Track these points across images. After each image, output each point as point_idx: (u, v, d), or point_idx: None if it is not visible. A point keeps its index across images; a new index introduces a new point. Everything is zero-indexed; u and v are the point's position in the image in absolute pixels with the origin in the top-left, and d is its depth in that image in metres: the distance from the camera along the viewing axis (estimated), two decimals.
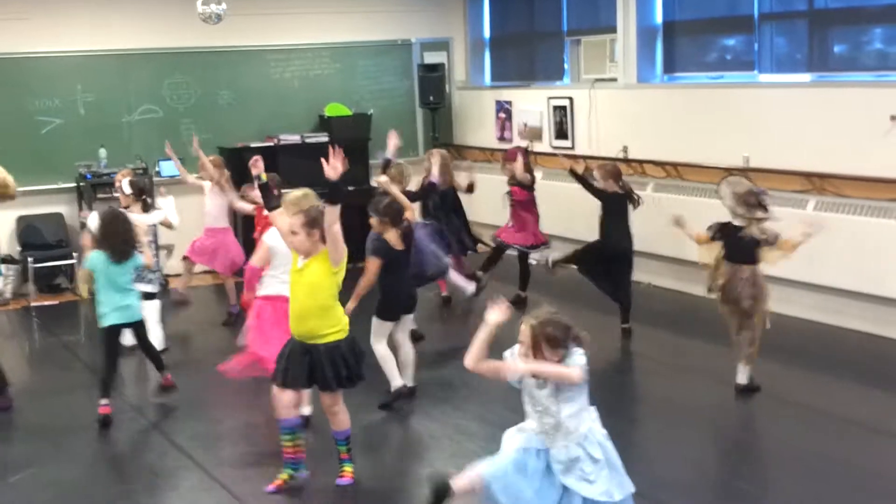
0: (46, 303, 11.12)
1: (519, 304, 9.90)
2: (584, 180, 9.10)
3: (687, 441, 6.76)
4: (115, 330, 7.45)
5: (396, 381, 7.38)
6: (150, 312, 8.69)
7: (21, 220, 11.58)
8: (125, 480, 6.50)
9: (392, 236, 7.38)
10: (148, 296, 8.59)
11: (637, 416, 7.34)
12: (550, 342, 4.52)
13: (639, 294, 10.48)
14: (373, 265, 7.31)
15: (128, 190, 8.85)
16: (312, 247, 5.74)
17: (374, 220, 7.45)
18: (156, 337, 8.69)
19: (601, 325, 8.92)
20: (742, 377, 7.46)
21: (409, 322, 7.65)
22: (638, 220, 10.49)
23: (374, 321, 7.36)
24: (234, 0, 10.11)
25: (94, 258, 7.36)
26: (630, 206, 9.06)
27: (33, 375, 9.11)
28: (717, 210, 8.60)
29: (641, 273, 10.78)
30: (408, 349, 7.60)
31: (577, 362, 4.54)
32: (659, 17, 11.02)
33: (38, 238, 11.38)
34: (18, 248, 11.53)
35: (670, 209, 10.10)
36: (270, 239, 6.81)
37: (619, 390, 7.96)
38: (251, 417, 7.33)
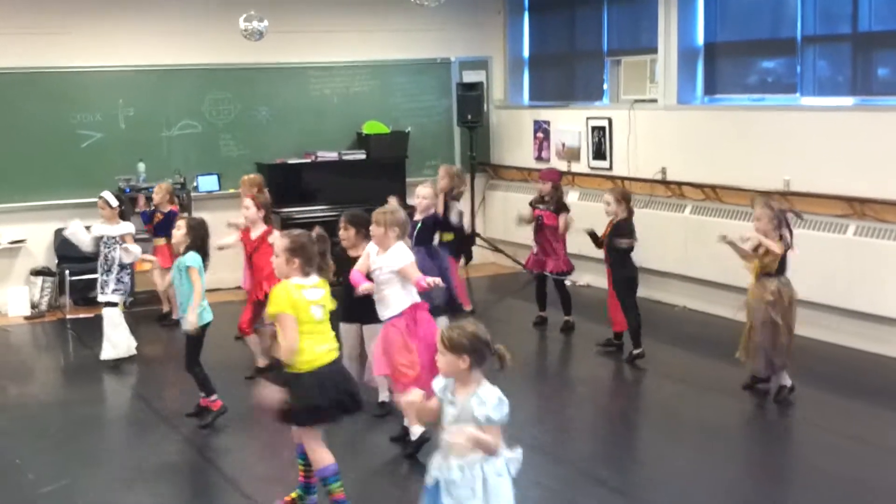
0: (82, 315, 11.15)
1: (567, 330, 9.87)
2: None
3: (717, 464, 6.66)
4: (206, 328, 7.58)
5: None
6: (115, 319, 9.23)
7: (59, 232, 11.63)
8: (158, 493, 6.47)
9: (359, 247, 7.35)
10: (110, 303, 9.24)
11: (667, 437, 7.22)
12: (453, 348, 4.44)
13: (673, 316, 10.44)
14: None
15: (114, 203, 9.34)
16: (288, 273, 5.75)
17: (347, 232, 7.40)
18: (120, 344, 9.24)
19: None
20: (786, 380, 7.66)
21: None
22: (675, 242, 10.47)
23: (370, 328, 7.30)
24: (274, 18, 10.16)
25: (197, 258, 7.47)
26: None
27: (67, 387, 9.13)
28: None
29: (676, 295, 10.72)
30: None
31: (490, 414, 4.41)
32: (700, 39, 10.94)
33: (75, 251, 11.32)
34: (55, 261, 11.60)
35: (708, 232, 10.10)
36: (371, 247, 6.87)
37: (649, 412, 7.89)
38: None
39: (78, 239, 9.42)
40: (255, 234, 8.75)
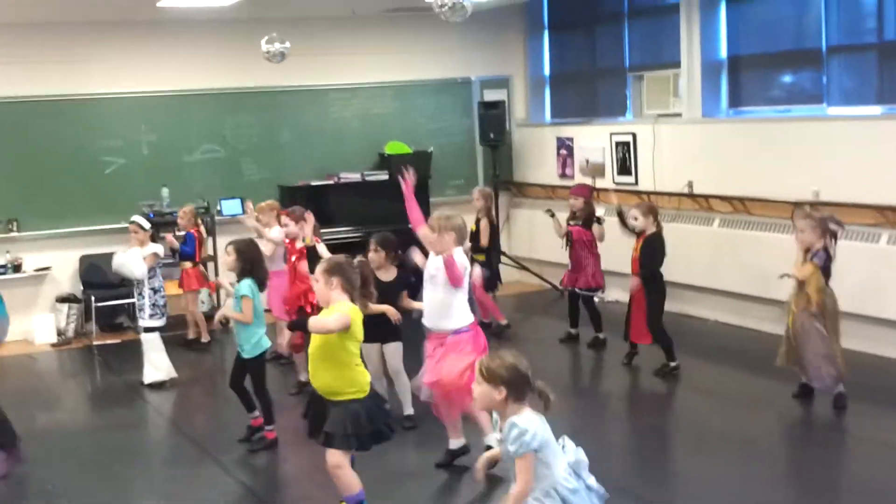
0: (108, 341, 11.12)
1: (598, 346, 9.79)
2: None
3: (756, 478, 6.55)
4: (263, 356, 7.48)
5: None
6: (155, 344, 9.19)
7: (84, 259, 11.65)
8: None
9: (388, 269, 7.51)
10: (149, 329, 9.22)
11: (704, 451, 7.10)
12: (490, 378, 4.35)
13: (704, 330, 10.34)
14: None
15: (147, 226, 9.41)
16: (330, 297, 5.68)
17: (378, 255, 7.50)
18: (162, 367, 9.21)
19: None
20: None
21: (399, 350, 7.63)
22: (704, 256, 10.38)
23: (390, 347, 7.50)
24: (295, 41, 10.11)
25: (251, 285, 7.31)
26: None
27: (97, 414, 9.08)
28: (786, 244, 8.48)
29: (706, 309, 10.62)
30: (404, 378, 7.66)
31: (524, 448, 4.31)
32: (724, 52, 10.89)
33: (101, 277, 11.39)
34: (81, 288, 11.58)
35: (737, 245, 10.02)
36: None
37: (685, 427, 7.78)
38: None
39: (128, 268, 9.27)
40: (300, 244, 8.71)
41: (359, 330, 5.68)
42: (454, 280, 6.52)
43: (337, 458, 5.67)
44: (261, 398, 7.48)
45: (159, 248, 9.43)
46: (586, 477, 4.52)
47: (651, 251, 8.77)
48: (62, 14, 10.98)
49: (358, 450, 5.78)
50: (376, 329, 7.06)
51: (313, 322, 5.64)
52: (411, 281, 7.47)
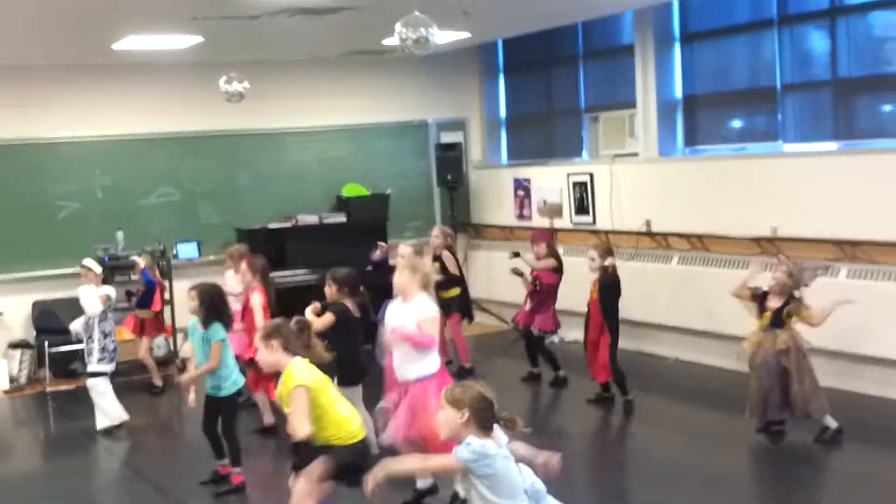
0: (62, 388, 10.91)
1: (559, 384, 9.77)
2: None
3: None
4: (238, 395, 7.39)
5: None
6: (102, 389, 9.04)
7: (37, 304, 11.45)
8: None
9: (349, 305, 7.48)
10: (95, 373, 9.06)
11: (670, 488, 7.06)
12: (454, 402, 4.38)
13: (665, 368, 10.36)
14: (328, 318, 7.33)
15: (98, 269, 9.28)
16: (276, 360, 5.66)
17: (330, 289, 7.49)
18: (111, 412, 9.06)
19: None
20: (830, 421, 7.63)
21: (359, 392, 7.53)
22: (664, 294, 10.42)
23: (349, 391, 7.15)
24: (253, 84, 10.07)
25: (220, 329, 7.21)
26: None
27: (52, 461, 8.88)
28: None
29: (667, 347, 10.64)
30: (366, 417, 7.44)
31: (460, 453, 4.33)
32: (679, 92, 11.01)
33: (55, 322, 11.17)
34: (34, 333, 11.38)
35: (696, 282, 10.07)
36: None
37: (650, 463, 7.73)
38: None
39: (83, 302, 9.08)
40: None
41: (320, 380, 5.61)
42: (421, 346, 6.44)
43: (308, 485, 5.57)
44: (229, 440, 7.33)
45: (111, 291, 9.26)
46: None
47: (609, 293, 8.81)
48: (18, 58, 10.85)
49: (341, 482, 5.67)
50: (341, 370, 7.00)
51: (297, 435, 5.48)
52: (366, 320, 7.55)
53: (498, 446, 4.36)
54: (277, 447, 8.12)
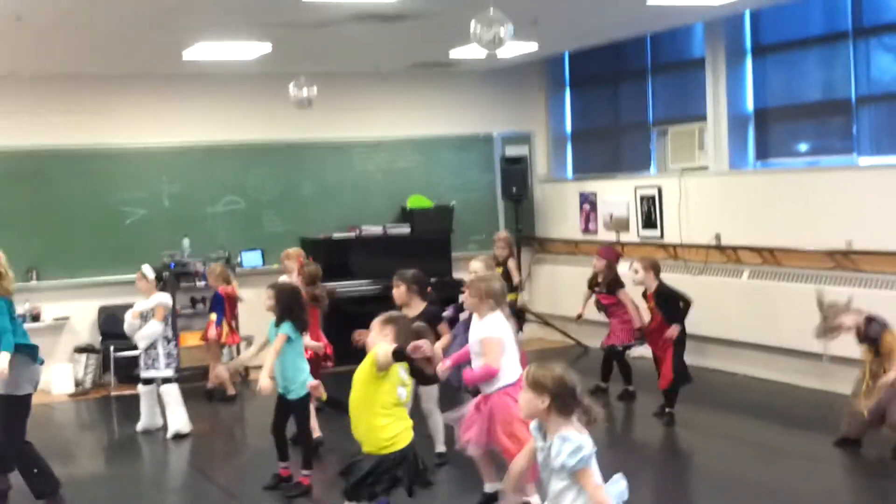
0: (126, 392, 10.94)
1: (627, 398, 9.65)
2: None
3: None
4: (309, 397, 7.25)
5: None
6: (173, 395, 9.05)
7: (102, 309, 11.53)
8: None
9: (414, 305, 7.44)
10: (166, 379, 9.09)
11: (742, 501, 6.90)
12: (534, 385, 4.26)
13: (734, 384, 10.18)
14: (445, 339, 7.40)
15: (151, 276, 9.15)
16: (373, 344, 5.50)
17: (399, 290, 7.45)
18: (180, 419, 9.06)
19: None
20: None
21: (435, 391, 7.56)
22: (733, 308, 10.24)
23: (426, 388, 7.29)
24: (320, 95, 10.10)
25: (290, 327, 7.16)
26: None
27: (116, 464, 8.84)
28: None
29: (736, 363, 10.45)
30: (437, 417, 7.62)
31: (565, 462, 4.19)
32: (750, 105, 10.85)
33: (120, 328, 11.11)
34: (99, 338, 11.45)
35: (767, 296, 9.88)
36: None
37: (724, 477, 7.56)
38: None
39: (139, 337, 9.14)
40: None
41: (395, 374, 5.46)
42: (480, 380, 6.41)
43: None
44: (302, 441, 7.35)
45: (166, 298, 9.22)
46: None
47: (668, 303, 8.81)
48: (87, 66, 10.99)
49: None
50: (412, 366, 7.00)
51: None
52: (440, 314, 7.52)
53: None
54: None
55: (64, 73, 11.21)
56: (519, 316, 10.44)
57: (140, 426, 9.28)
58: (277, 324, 7.21)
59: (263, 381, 7.05)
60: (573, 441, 4.18)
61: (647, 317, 9.26)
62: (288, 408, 7.29)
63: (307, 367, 7.31)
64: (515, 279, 10.23)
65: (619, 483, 4.33)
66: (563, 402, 4.26)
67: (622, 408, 9.60)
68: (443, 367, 6.48)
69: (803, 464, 7.63)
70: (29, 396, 6.87)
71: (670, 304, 8.83)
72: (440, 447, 7.70)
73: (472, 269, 8.78)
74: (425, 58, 11.62)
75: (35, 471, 6.94)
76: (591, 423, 4.31)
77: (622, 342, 9.75)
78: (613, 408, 9.62)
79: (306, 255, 9.75)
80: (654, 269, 8.91)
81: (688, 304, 8.86)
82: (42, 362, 7.00)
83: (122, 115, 11.69)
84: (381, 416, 5.40)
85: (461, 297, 9.70)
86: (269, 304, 7.34)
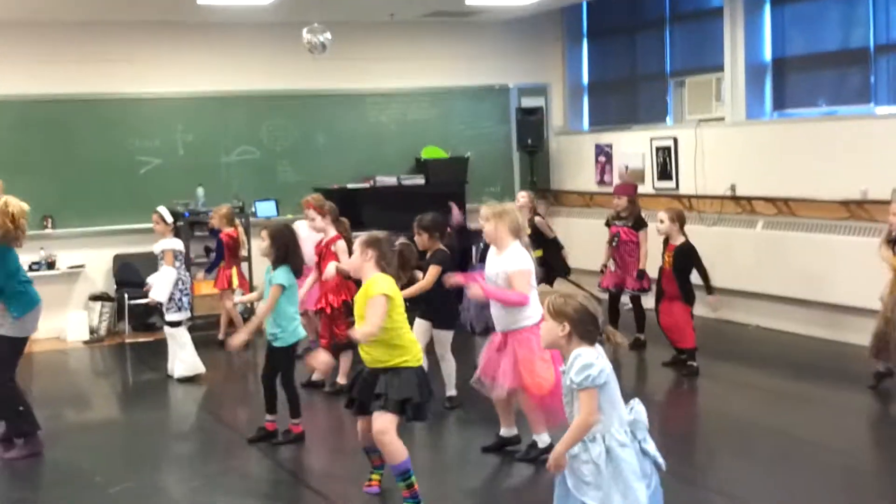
0: (141, 339, 11.01)
1: (638, 347, 9.59)
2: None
3: (799, 472, 6.33)
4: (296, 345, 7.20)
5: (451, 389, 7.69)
6: (180, 338, 9.05)
7: (117, 258, 11.57)
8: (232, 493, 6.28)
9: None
10: (175, 323, 9.07)
11: (761, 449, 6.89)
12: (556, 314, 4.28)
13: (747, 335, 10.14)
14: (433, 273, 7.29)
15: (169, 218, 9.15)
16: (363, 268, 5.60)
17: (421, 237, 7.45)
18: (189, 361, 9.08)
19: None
20: None
21: (450, 336, 7.62)
22: (747, 259, 10.18)
23: (441, 333, 7.48)
24: (334, 45, 10.02)
25: (285, 273, 6.96)
26: None
27: (131, 408, 8.89)
28: (832, 246, 8.32)
29: (749, 314, 10.41)
30: (451, 361, 7.69)
31: (573, 378, 4.20)
32: (768, 54, 10.74)
33: (135, 276, 11.25)
34: (114, 286, 11.50)
35: (781, 247, 9.82)
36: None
37: (739, 425, 7.55)
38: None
39: (155, 290, 9.05)
40: (324, 240, 8.57)
41: (397, 297, 5.59)
42: (512, 305, 6.25)
43: (384, 424, 5.50)
44: (287, 390, 7.17)
45: (178, 243, 9.20)
46: (642, 439, 4.36)
47: (684, 260, 8.69)
48: (101, 13, 10.97)
49: (411, 419, 5.65)
50: (430, 309, 7.38)
51: (360, 334, 5.49)
52: (454, 259, 7.56)
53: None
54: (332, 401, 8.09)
55: (79, 20, 11.18)
56: (562, 270, 10.30)
57: (170, 369, 9.24)
58: (274, 267, 6.98)
59: (238, 339, 6.94)
60: (584, 357, 4.21)
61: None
62: (273, 355, 7.13)
63: (298, 315, 7.14)
64: (548, 234, 10.10)
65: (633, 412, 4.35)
66: (584, 328, 4.27)
67: (633, 357, 9.56)
68: (476, 287, 6.31)
69: (817, 410, 7.61)
70: (23, 340, 6.92)
71: (686, 264, 8.69)
72: (451, 391, 7.73)
73: (482, 213, 8.74)
74: (441, 6, 11.53)
75: (21, 409, 6.98)
76: (616, 346, 4.44)
77: (633, 288, 9.65)
78: (623, 356, 9.57)
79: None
80: (680, 220, 8.79)
81: (706, 276, 8.71)
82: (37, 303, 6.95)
83: (138, 62, 11.66)
84: (393, 334, 5.56)
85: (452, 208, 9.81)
86: (264, 245, 7.03)
